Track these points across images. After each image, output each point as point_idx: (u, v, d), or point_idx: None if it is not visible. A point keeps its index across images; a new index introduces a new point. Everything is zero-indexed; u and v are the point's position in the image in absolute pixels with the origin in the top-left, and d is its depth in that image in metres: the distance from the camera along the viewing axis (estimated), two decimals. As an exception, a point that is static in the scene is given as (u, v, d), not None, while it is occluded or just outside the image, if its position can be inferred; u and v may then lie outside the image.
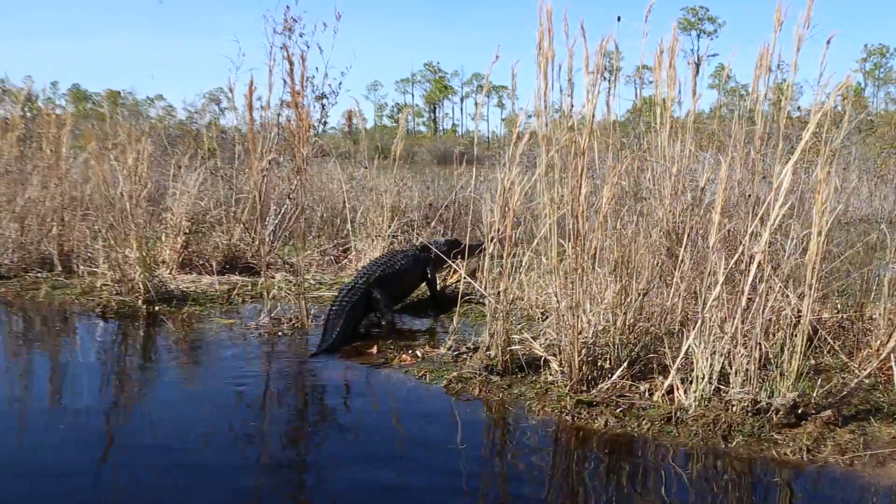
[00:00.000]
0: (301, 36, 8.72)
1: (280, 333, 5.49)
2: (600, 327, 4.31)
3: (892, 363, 4.03)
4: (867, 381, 4.05)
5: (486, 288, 4.65)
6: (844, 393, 3.82)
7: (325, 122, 9.09)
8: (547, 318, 5.54)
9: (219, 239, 7.63)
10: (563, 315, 4.21)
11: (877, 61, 73.45)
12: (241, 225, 7.91)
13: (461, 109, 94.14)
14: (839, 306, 4.98)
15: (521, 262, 4.83)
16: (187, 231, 7.17)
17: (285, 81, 8.78)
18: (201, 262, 7.39)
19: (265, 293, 5.58)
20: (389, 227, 7.83)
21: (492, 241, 4.62)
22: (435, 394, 4.32)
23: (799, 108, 4.09)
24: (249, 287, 6.80)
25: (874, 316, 4.60)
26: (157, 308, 6.10)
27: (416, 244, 6.78)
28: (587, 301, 4.27)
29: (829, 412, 3.68)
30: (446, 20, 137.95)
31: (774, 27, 3.37)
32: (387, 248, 7.57)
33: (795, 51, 3.34)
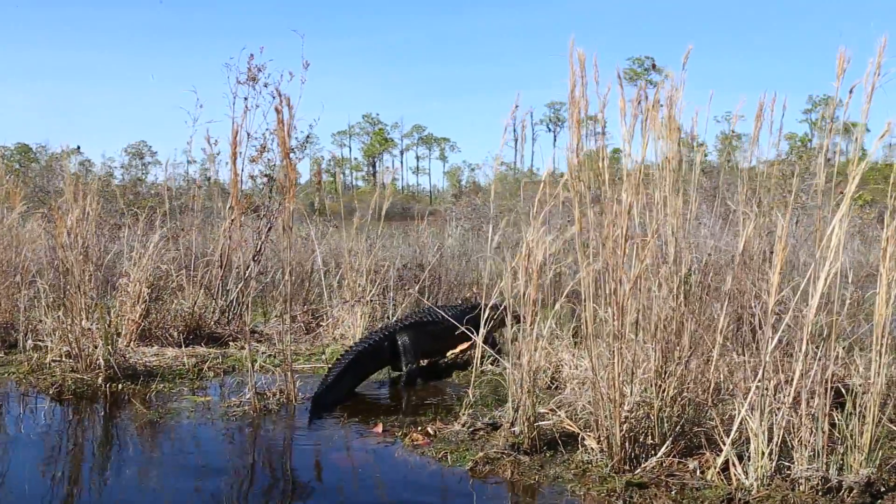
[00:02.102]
0: (266, 86, 8.65)
1: (267, 410, 5.19)
2: (637, 399, 4.17)
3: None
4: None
5: (508, 357, 4.49)
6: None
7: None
8: (557, 386, 5.40)
9: (180, 306, 7.29)
10: (600, 387, 4.07)
11: (823, 112, 76.19)
12: (204, 290, 7.59)
13: (402, 162, 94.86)
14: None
15: (542, 327, 4.69)
16: (147, 298, 6.81)
17: (248, 134, 8.71)
18: (161, 332, 7.02)
19: (248, 364, 5.29)
20: (369, 290, 7.62)
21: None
22: (460, 478, 4.08)
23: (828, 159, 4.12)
24: (220, 359, 6.47)
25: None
26: (120, 386, 5.71)
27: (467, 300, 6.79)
28: (625, 371, 4.14)
29: (904, 489, 3.59)
30: (386, 71, 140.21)
31: (837, 74, 3.39)
32: (368, 314, 7.35)
33: (867, 99, 3.35)
